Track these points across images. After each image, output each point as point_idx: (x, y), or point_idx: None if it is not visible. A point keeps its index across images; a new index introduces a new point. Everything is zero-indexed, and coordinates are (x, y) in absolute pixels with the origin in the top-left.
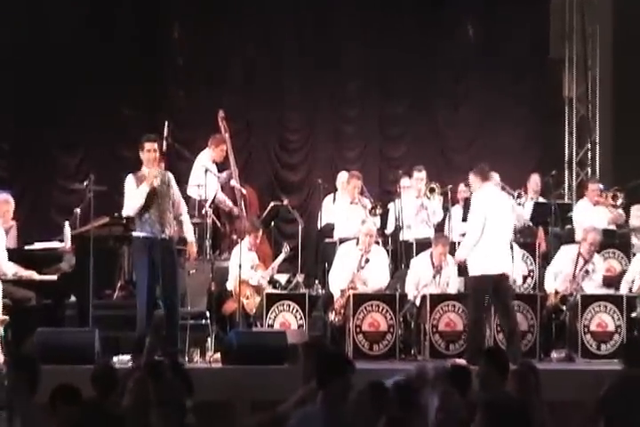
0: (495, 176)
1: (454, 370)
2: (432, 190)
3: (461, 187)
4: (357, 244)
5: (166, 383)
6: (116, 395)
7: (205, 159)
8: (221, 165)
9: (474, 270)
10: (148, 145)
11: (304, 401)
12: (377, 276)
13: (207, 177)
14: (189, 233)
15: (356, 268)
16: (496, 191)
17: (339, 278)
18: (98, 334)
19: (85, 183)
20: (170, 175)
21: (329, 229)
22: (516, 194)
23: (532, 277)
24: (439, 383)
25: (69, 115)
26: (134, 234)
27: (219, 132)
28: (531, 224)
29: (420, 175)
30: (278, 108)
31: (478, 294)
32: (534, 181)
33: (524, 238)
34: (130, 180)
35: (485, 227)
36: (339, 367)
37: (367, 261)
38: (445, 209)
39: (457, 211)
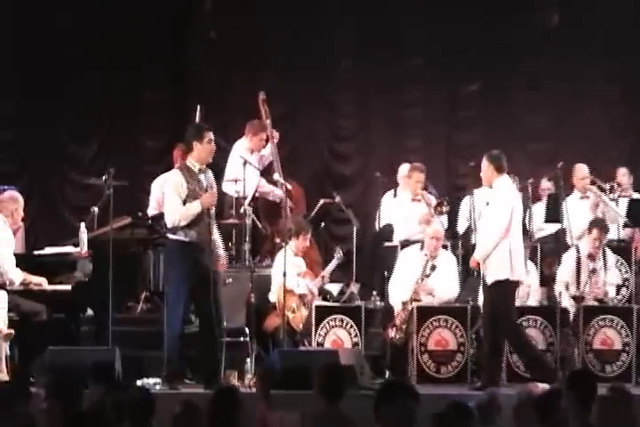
0: (583, 169)
1: (541, 397)
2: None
3: (544, 182)
4: (422, 248)
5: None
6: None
7: (242, 150)
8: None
9: (498, 274)
10: (209, 134)
11: None
12: (445, 285)
13: (246, 170)
14: (218, 242)
15: (421, 276)
16: (513, 185)
17: (400, 289)
18: (118, 353)
19: (104, 178)
20: (211, 174)
21: (388, 230)
22: (608, 188)
23: (628, 288)
24: (523, 412)
25: (83, 99)
26: (172, 237)
27: (258, 117)
28: (627, 225)
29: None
30: (328, 90)
31: (509, 301)
32: (623, 174)
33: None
34: (176, 177)
35: (512, 224)
36: (396, 394)
37: (433, 268)
38: (525, 207)
39: (539, 209)
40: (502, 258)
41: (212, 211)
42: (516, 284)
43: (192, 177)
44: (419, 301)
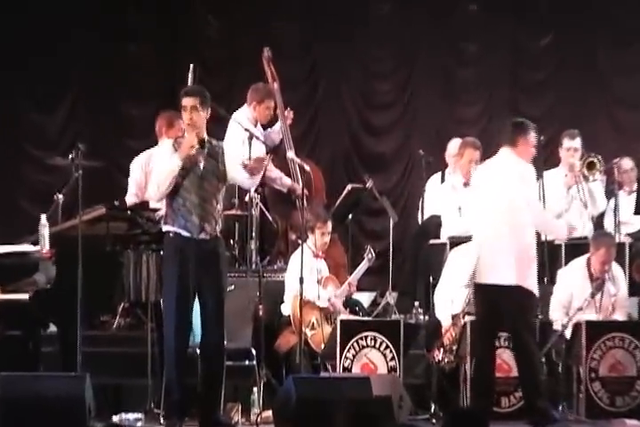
0: None
1: None
2: (591, 166)
3: (625, 162)
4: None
5: None
6: None
7: (245, 120)
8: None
9: (527, 278)
10: (183, 101)
11: None
12: None
13: (252, 146)
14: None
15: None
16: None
17: (450, 299)
18: (89, 381)
19: (71, 156)
20: (222, 146)
21: (435, 224)
22: None
23: None
24: None
25: (46, 56)
26: (164, 228)
27: (264, 80)
28: None
29: (573, 143)
30: (358, 44)
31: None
32: None
33: None
34: (165, 147)
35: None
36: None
37: None
38: (610, 194)
39: (627, 197)
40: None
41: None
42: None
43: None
44: (473, 314)
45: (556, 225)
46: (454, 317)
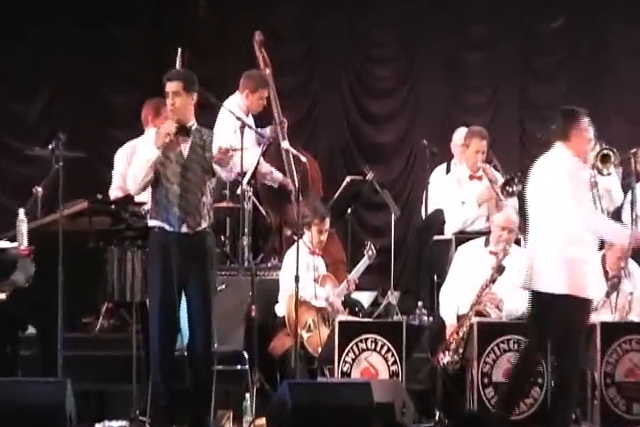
0: None
1: None
2: (605, 159)
3: None
4: (486, 243)
5: None
6: None
7: (236, 109)
8: (259, 121)
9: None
10: (166, 86)
11: None
12: (518, 294)
13: (244, 136)
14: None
15: (485, 282)
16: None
17: (456, 298)
18: (70, 387)
19: (51, 146)
20: (209, 134)
21: (439, 218)
22: None
23: None
24: None
25: (23, 41)
26: (149, 223)
27: (256, 66)
28: None
29: None
30: (359, 25)
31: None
32: None
33: None
34: (148, 137)
35: None
36: None
37: (501, 270)
38: (627, 187)
39: None
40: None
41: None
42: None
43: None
44: (482, 315)
45: (613, 229)
46: (461, 317)
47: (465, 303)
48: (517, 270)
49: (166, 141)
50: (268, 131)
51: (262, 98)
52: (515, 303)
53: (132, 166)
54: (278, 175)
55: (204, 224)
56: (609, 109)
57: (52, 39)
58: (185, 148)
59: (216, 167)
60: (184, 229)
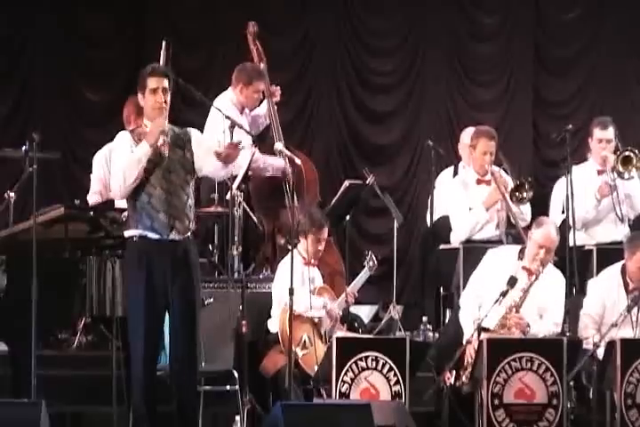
0: None
1: None
2: (627, 161)
3: None
4: (521, 256)
5: None
6: None
7: (229, 106)
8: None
9: None
10: (152, 81)
11: None
12: (548, 317)
13: (235, 137)
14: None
15: (514, 303)
16: None
17: (478, 304)
18: (45, 409)
19: (24, 148)
20: (193, 134)
21: (446, 226)
22: None
23: None
24: None
25: None
26: (126, 233)
27: (249, 59)
28: None
29: (606, 134)
30: (357, 12)
31: None
32: None
33: None
34: (123, 139)
35: None
36: None
37: (514, 282)
38: None
39: None
40: None
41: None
42: None
43: (141, 140)
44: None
45: None
46: (481, 330)
47: (484, 312)
48: (545, 292)
49: (160, 141)
50: (263, 109)
51: (258, 91)
52: (540, 328)
53: (120, 168)
54: (279, 162)
55: (192, 228)
56: (630, 108)
57: (20, 30)
58: (164, 149)
59: (203, 165)
60: (173, 235)
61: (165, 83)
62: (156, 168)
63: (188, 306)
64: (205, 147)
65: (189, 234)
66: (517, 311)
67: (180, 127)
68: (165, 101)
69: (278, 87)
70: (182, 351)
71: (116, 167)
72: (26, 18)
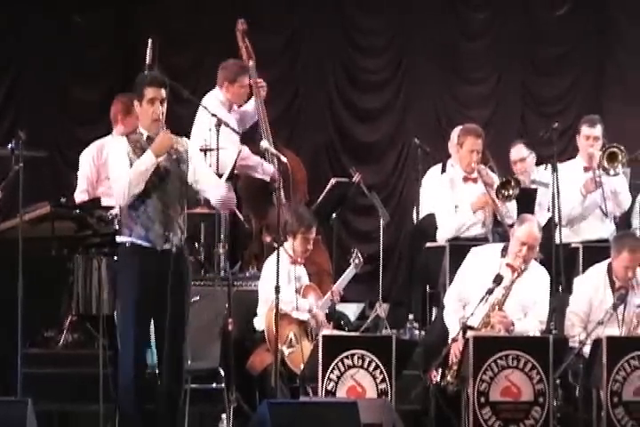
0: None
1: None
2: (613, 157)
3: None
4: (504, 253)
5: None
6: None
7: (216, 105)
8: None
9: None
10: (151, 91)
11: None
12: (532, 315)
13: (221, 135)
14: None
15: (497, 301)
16: None
17: (462, 304)
18: (32, 407)
19: (10, 146)
20: (187, 143)
21: (432, 224)
22: None
23: None
24: None
25: None
26: (119, 239)
27: (238, 56)
28: None
29: (593, 131)
30: (345, 9)
31: None
32: None
33: None
34: (120, 145)
35: None
36: None
37: (500, 280)
38: (636, 189)
39: None
40: None
41: (178, 195)
42: None
43: (139, 148)
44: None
45: None
46: (466, 328)
47: (470, 311)
48: (529, 289)
49: (167, 153)
50: (250, 106)
51: (243, 86)
52: (525, 325)
53: (121, 175)
54: (269, 167)
55: (184, 241)
56: (617, 106)
57: (6, 27)
58: (167, 163)
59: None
60: (167, 246)
61: (164, 93)
62: (153, 178)
63: (181, 309)
64: (198, 162)
65: (182, 243)
66: (500, 309)
67: (177, 136)
68: (163, 113)
69: (261, 80)
70: (170, 347)
71: (116, 174)
72: (17, 17)
